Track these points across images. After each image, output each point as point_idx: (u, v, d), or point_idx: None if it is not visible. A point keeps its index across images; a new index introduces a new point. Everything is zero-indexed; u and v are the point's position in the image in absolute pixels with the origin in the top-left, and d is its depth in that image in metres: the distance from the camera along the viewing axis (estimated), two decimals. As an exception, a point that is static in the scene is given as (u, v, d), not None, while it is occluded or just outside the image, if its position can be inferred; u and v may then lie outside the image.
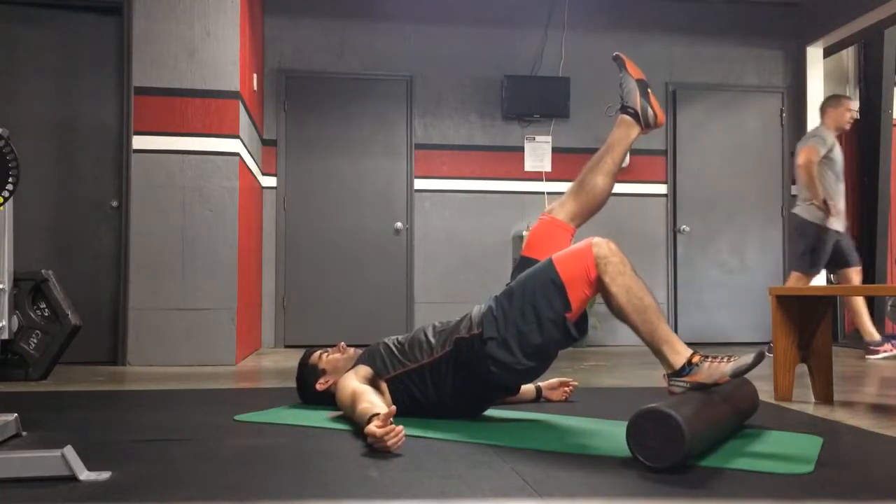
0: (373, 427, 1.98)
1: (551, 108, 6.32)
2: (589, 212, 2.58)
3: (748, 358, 2.04)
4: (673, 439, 1.78)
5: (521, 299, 2.29)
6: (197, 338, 4.54)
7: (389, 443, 1.96)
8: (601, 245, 2.22)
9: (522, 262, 2.51)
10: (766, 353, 2.07)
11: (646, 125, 2.57)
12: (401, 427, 1.99)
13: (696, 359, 2.10)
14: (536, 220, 2.65)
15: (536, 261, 2.41)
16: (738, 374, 2.04)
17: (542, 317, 2.26)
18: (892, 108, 7.44)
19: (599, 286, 2.21)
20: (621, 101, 2.59)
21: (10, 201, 2.07)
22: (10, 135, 2.03)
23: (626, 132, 2.58)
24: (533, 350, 2.30)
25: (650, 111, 2.56)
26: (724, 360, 2.08)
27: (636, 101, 2.56)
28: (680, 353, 2.12)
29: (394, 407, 2.04)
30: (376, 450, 1.99)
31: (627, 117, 2.58)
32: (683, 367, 2.10)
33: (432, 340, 2.47)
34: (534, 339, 2.28)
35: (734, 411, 2.23)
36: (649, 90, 2.59)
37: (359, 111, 6.20)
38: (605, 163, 2.56)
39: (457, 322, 2.47)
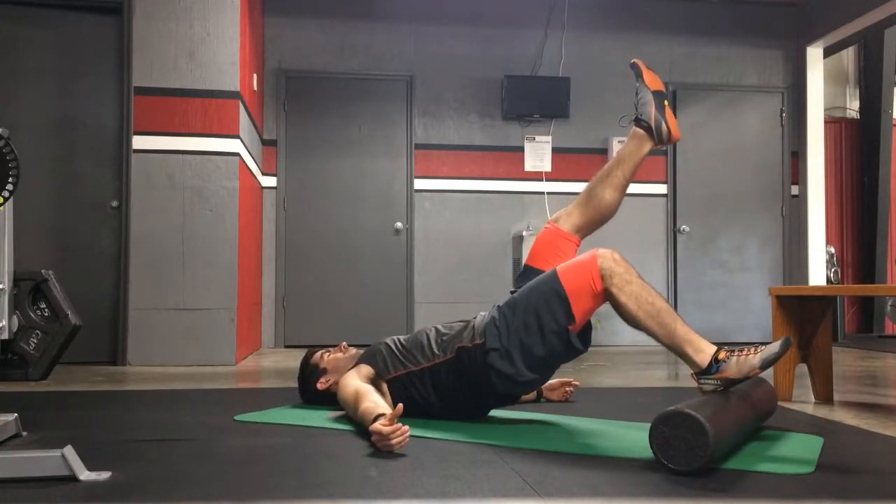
0: (379, 425, 1.98)
1: (551, 108, 6.32)
2: (595, 224, 2.53)
3: (775, 346, 2.01)
4: (699, 445, 1.76)
5: (525, 311, 2.27)
6: (197, 338, 4.54)
7: (394, 441, 1.95)
8: (606, 257, 2.19)
9: (526, 272, 2.49)
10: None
11: (659, 140, 2.47)
12: (406, 426, 1.99)
13: (722, 355, 2.07)
14: (541, 227, 2.61)
15: (540, 270, 2.39)
16: (767, 364, 2.01)
17: (545, 329, 2.24)
18: (892, 108, 7.46)
19: (608, 297, 2.18)
20: (636, 112, 2.49)
21: (10, 201, 2.07)
22: (10, 135, 2.03)
23: (637, 146, 2.48)
24: (535, 362, 2.28)
25: (664, 126, 2.44)
26: (751, 351, 2.05)
27: (651, 114, 2.45)
28: (704, 352, 2.09)
29: (401, 405, 2.03)
30: (377, 449, 1.99)
31: (640, 130, 2.47)
32: (711, 365, 2.07)
33: (434, 345, 2.46)
34: (537, 352, 2.26)
35: (755, 413, 2.21)
36: (666, 102, 2.47)
37: (359, 111, 6.20)
38: (615, 176, 2.48)
39: (460, 329, 2.45)
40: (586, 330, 2.32)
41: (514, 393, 2.47)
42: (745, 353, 2.06)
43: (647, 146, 2.48)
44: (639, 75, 2.51)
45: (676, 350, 2.13)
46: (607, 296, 2.18)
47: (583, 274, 2.20)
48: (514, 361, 2.27)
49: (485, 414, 2.58)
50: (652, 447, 1.84)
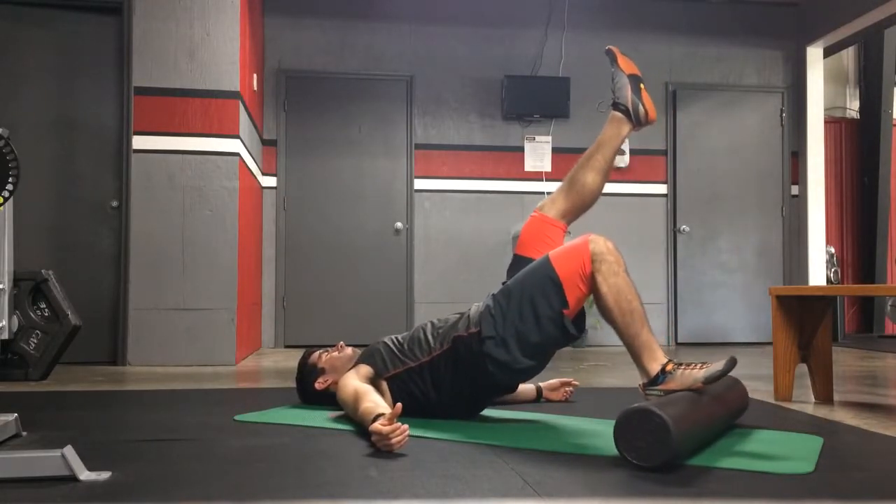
0: (379, 425, 1.98)
1: (551, 108, 6.32)
2: (579, 209, 2.56)
3: (720, 364, 2.04)
4: (660, 438, 1.79)
5: (519, 298, 2.30)
6: (197, 338, 4.54)
7: (394, 440, 1.96)
8: (598, 242, 2.22)
9: (516, 261, 2.51)
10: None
11: (637, 122, 2.52)
12: (406, 426, 1.99)
13: (670, 367, 2.11)
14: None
15: (530, 259, 2.41)
16: (710, 380, 2.04)
17: (540, 315, 2.26)
18: (892, 108, 7.46)
19: (591, 283, 2.21)
20: (613, 96, 2.55)
21: (10, 201, 2.07)
22: (10, 135, 2.03)
23: (616, 129, 2.53)
24: (531, 349, 2.30)
25: (641, 108, 2.50)
26: (699, 366, 2.08)
27: (627, 97, 2.51)
28: (657, 360, 2.13)
29: (399, 405, 2.03)
30: (377, 449, 1.99)
31: (618, 114, 2.53)
32: (658, 376, 2.11)
33: (431, 339, 2.47)
34: (532, 338, 2.28)
35: (724, 410, 2.24)
36: (642, 85, 2.53)
37: (359, 111, 6.20)
38: (596, 160, 2.53)
39: (455, 320, 2.47)
40: (581, 315, 2.33)
41: (512, 381, 2.48)
42: (692, 367, 2.09)
43: (626, 128, 2.53)
44: (613, 61, 2.57)
45: (634, 353, 2.17)
46: (591, 282, 2.20)
47: (575, 258, 2.23)
48: (510, 348, 2.29)
49: (484, 407, 2.60)
50: (617, 446, 1.86)
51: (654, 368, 2.12)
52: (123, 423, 2.68)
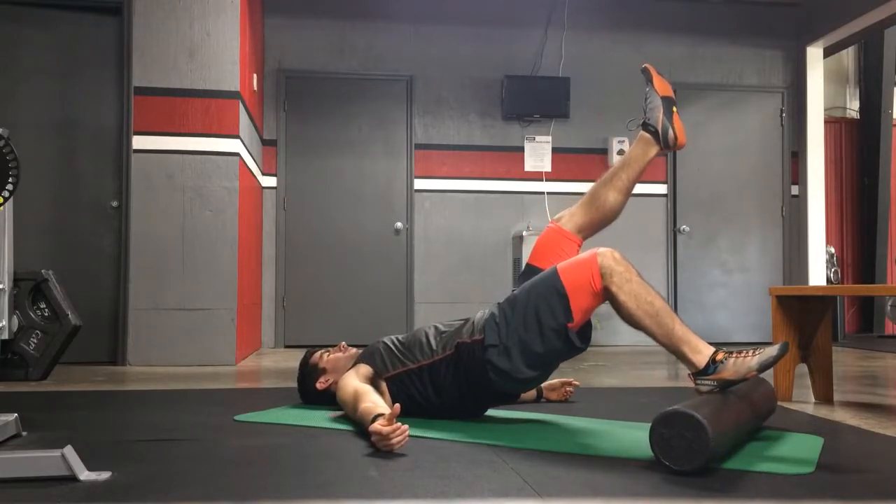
0: (378, 425, 1.98)
1: (551, 108, 6.32)
2: (597, 226, 2.54)
3: (773, 350, 2.01)
4: (698, 443, 1.76)
5: (524, 307, 2.28)
6: (197, 338, 4.54)
7: (394, 441, 1.96)
8: (606, 255, 2.19)
9: (528, 271, 2.49)
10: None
11: (665, 146, 2.47)
12: (406, 426, 1.99)
13: (720, 356, 2.07)
14: (541, 227, 2.62)
15: (542, 270, 2.39)
16: (765, 367, 2.01)
17: (543, 325, 2.24)
18: (892, 108, 7.46)
19: (607, 296, 2.18)
20: (644, 116, 2.50)
21: (10, 201, 2.07)
22: (10, 135, 2.03)
23: (643, 150, 2.49)
24: (534, 359, 2.29)
25: (671, 132, 2.45)
26: (749, 354, 2.05)
27: (658, 119, 2.46)
28: (701, 352, 2.10)
29: (398, 405, 2.03)
30: (377, 449, 1.99)
31: (647, 135, 2.49)
32: (708, 366, 2.07)
33: (433, 342, 2.46)
34: (535, 348, 2.26)
35: (754, 413, 2.21)
36: (675, 108, 2.47)
37: (359, 111, 6.20)
38: (620, 178, 2.49)
39: (459, 326, 2.46)
40: (586, 328, 2.32)
41: (513, 390, 2.47)
42: (742, 354, 2.06)
43: (653, 150, 2.50)
44: (649, 80, 2.52)
45: (673, 350, 2.14)
46: (606, 294, 2.18)
47: (583, 272, 2.21)
48: (513, 358, 2.28)
49: (483, 412, 2.58)
50: (652, 448, 1.84)
51: (701, 360, 2.08)
52: (123, 423, 2.67)
